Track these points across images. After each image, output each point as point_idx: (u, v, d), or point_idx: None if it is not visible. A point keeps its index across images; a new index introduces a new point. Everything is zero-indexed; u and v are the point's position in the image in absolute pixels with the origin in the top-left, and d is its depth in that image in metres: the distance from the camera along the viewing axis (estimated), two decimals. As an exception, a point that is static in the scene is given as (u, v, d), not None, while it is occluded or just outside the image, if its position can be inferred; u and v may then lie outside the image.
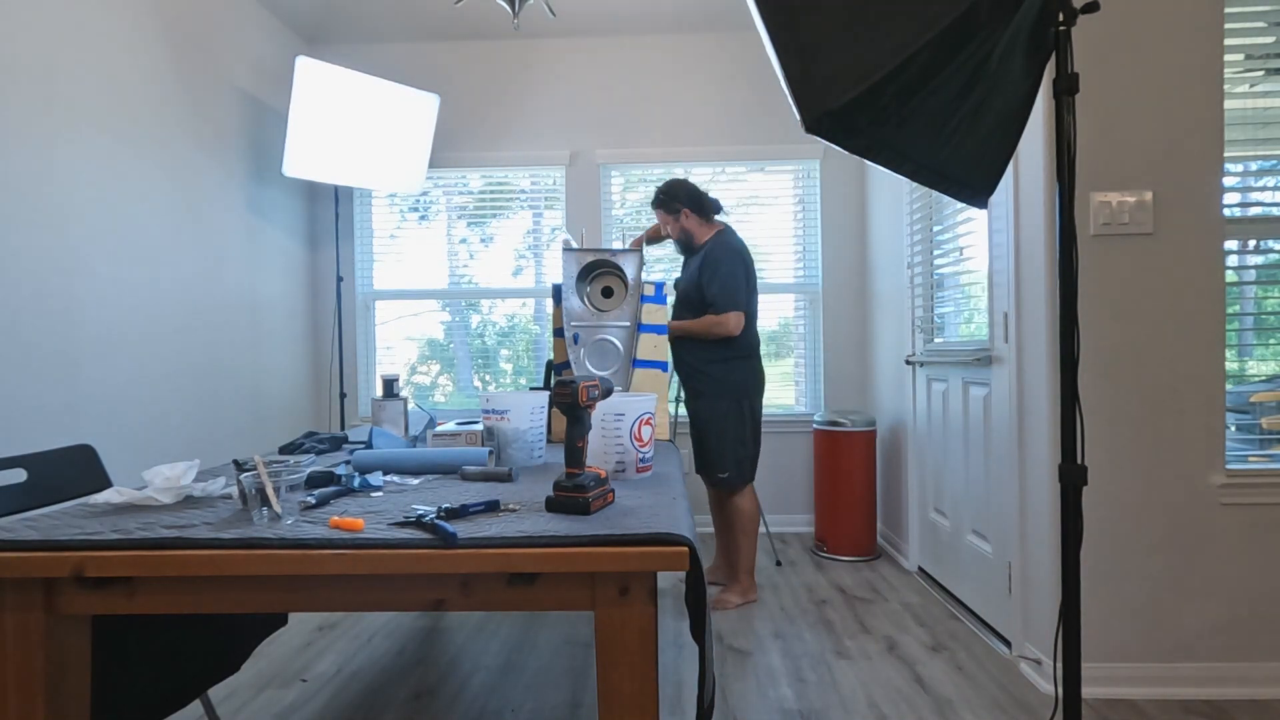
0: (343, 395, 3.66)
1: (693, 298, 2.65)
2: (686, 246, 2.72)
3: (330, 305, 3.81)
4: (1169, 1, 1.94)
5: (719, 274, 2.54)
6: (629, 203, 3.91)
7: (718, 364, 2.61)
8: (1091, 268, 1.96)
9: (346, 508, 1.16)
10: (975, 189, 1.25)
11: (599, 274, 2.05)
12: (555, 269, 3.86)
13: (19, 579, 0.98)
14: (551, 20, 3.62)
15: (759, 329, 2.74)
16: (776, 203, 3.85)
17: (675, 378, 3.07)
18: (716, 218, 2.74)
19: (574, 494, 1.10)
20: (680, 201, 2.66)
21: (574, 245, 2.03)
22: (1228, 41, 1.96)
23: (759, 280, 2.76)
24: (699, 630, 1.03)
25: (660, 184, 2.71)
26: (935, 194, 2.88)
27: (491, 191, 3.91)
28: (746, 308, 2.58)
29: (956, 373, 2.65)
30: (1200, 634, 1.94)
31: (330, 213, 3.81)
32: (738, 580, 2.68)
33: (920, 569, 3.06)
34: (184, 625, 1.48)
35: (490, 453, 1.49)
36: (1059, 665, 1.79)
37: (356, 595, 1.00)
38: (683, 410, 3.63)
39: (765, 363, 2.82)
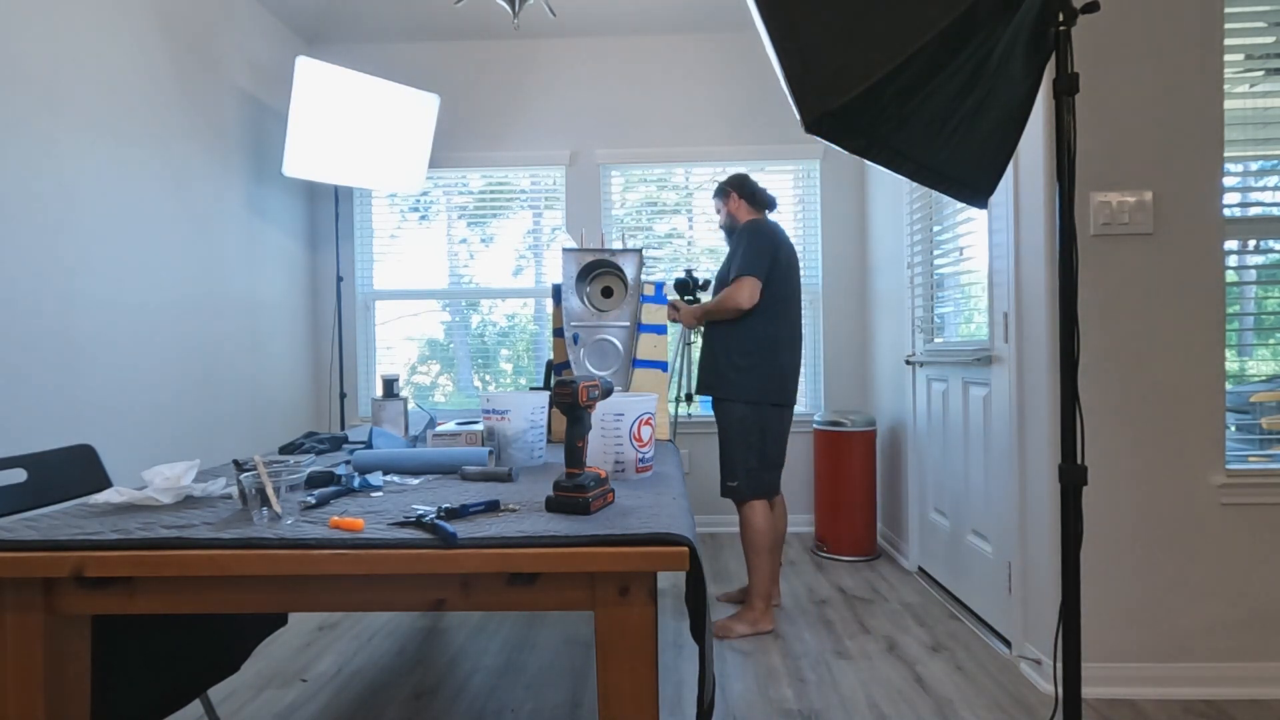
0: (343, 395, 3.66)
1: (725, 281, 2.59)
2: (729, 230, 2.71)
3: (330, 305, 3.81)
4: (1169, 1, 1.94)
5: (743, 246, 2.48)
6: (629, 203, 3.91)
7: (737, 366, 2.51)
8: (1091, 268, 1.96)
9: (346, 508, 1.16)
10: (975, 189, 1.25)
11: (599, 274, 2.05)
12: (555, 269, 3.86)
13: (19, 579, 0.98)
14: (551, 20, 3.62)
15: (796, 333, 2.60)
16: (777, 202, 3.85)
17: (674, 377, 3.06)
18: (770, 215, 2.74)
19: (574, 494, 1.10)
20: (730, 185, 2.71)
21: (574, 247, 2.03)
22: (1228, 41, 1.96)
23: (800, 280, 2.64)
24: (699, 630, 1.03)
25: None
26: (935, 194, 2.88)
27: (491, 191, 3.91)
28: (766, 281, 2.46)
29: (956, 373, 2.65)
30: (1200, 634, 1.94)
31: (330, 213, 3.81)
32: (750, 605, 2.47)
33: (920, 569, 3.06)
34: (184, 625, 1.48)
35: (490, 453, 1.49)
36: (1059, 665, 1.79)
37: (356, 595, 1.00)
38: (684, 409, 3.67)
39: None
